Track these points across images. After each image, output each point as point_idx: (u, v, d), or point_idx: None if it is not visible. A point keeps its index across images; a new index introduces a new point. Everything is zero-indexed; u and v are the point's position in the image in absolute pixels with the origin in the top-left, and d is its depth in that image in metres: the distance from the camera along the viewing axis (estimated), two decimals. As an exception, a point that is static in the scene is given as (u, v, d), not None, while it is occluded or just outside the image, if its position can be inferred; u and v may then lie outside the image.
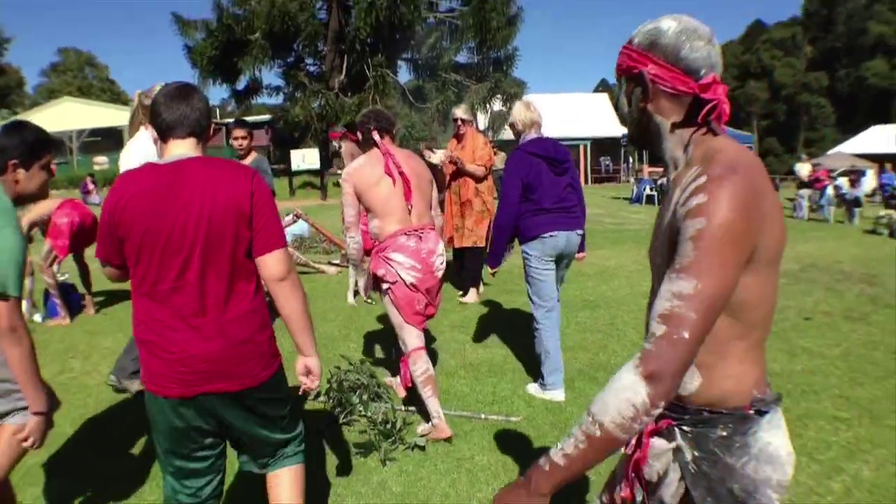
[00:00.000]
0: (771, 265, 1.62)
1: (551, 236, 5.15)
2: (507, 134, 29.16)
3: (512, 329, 6.91)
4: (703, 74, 1.67)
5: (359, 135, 4.86)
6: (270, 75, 75.81)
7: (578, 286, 9.13)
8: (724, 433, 1.65)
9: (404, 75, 31.15)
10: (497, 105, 29.62)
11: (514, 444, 4.32)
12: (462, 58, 30.38)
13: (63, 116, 39.94)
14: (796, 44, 70.56)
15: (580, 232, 5.34)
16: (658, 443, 1.75)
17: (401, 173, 4.54)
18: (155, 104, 2.63)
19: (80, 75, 77.63)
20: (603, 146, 41.45)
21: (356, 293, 7.50)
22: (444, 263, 4.69)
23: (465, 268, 8.67)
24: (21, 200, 2.85)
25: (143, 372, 2.61)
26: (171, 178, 2.50)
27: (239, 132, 6.92)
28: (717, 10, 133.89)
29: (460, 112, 8.19)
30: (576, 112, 40.22)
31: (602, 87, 78.07)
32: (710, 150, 1.66)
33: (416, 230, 4.49)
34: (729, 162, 1.58)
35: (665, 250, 1.66)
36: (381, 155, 4.59)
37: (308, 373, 2.83)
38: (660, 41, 1.69)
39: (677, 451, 1.71)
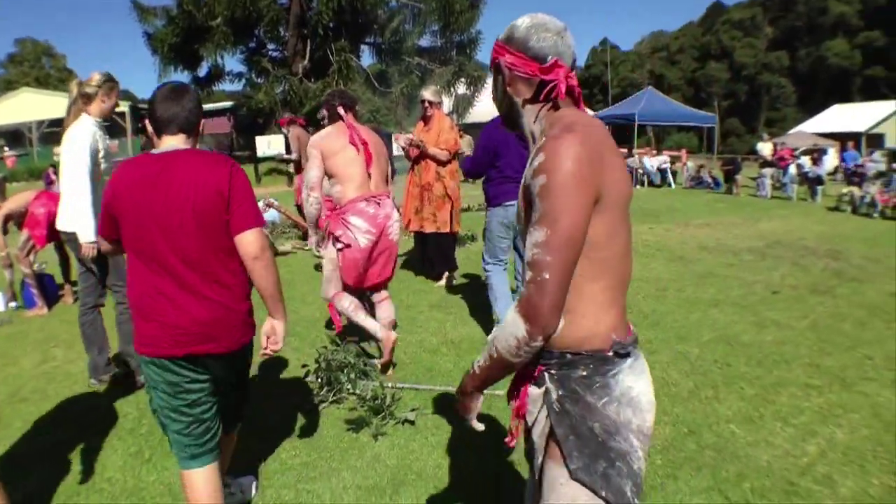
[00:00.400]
0: (617, 209, 1.83)
1: (512, 204, 5.53)
2: (471, 117, 29.24)
3: (490, 306, 7.02)
4: (550, 60, 1.93)
5: (324, 111, 5.44)
6: (231, 61, 74.93)
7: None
8: (585, 373, 1.83)
9: (367, 59, 31.01)
10: (461, 88, 29.57)
11: (501, 415, 4.40)
12: (425, 42, 30.29)
13: (22, 108, 39.21)
14: (756, 24, 71.29)
15: None
16: (532, 390, 1.94)
17: (364, 143, 5.14)
18: (151, 103, 3.00)
19: (38, 66, 76.26)
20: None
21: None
22: (399, 229, 5.33)
23: (429, 254, 8.75)
24: None
25: (137, 338, 2.93)
26: (160, 167, 2.83)
27: None
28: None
29: (428, 94, 8.20)
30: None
31: (568, 68, 78.21)
32: (555, 119, 1.91)
33: (375, 197, 5.06)
34: (566, 124, 1.82)
35: (524, 213, 1.87)
36: (345, 127, 5.19)
37: (273, 332, 3.15)
38: (514, 35, 1.99)
39: (546, 393, 1.88)
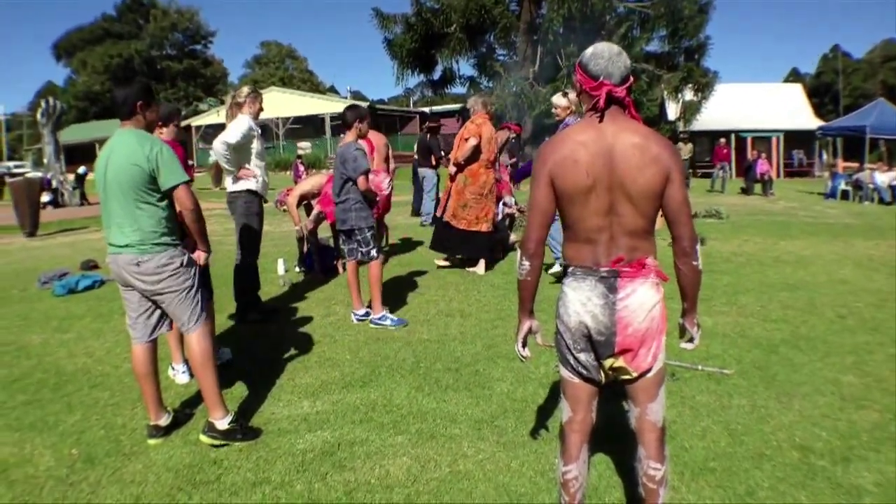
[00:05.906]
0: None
1: None
2: (697, 125, 28.98)
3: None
4: (602, 79, 2.63)
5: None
6: (462, 66, 77.53)
7: (778, 271, 9.47)
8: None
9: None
10: (688, 95, 29.09)
11: (727, 389, 5.02)
12: (653, 47, 29.96)
13: (270, 104, 42.07)
14: None
15: None
16: None
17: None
18: None
19: (282, 67, 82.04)
20: (796, 139, 39.56)
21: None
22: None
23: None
24: None
25: None
26: None
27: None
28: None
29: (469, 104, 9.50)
30: (767, 103, 38.64)
31: (793, 76, 74.40)
32: None
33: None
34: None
35: None
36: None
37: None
38: (581, 60, 2.71)
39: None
